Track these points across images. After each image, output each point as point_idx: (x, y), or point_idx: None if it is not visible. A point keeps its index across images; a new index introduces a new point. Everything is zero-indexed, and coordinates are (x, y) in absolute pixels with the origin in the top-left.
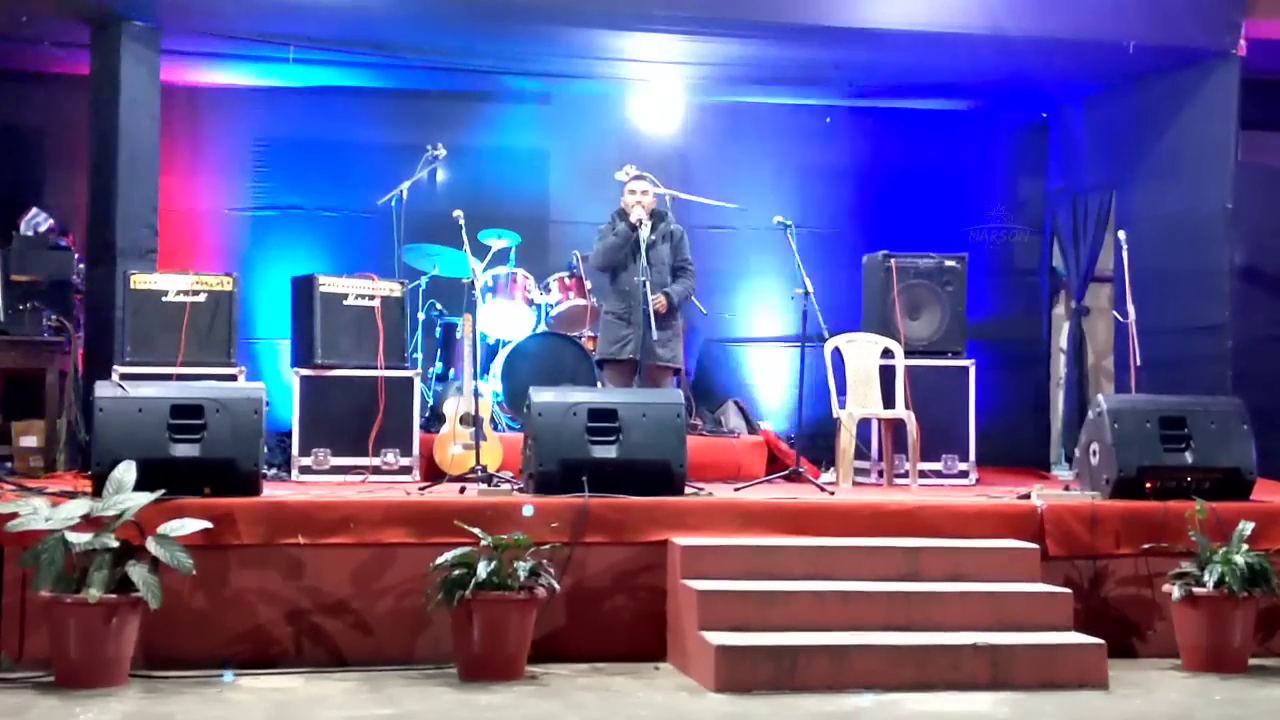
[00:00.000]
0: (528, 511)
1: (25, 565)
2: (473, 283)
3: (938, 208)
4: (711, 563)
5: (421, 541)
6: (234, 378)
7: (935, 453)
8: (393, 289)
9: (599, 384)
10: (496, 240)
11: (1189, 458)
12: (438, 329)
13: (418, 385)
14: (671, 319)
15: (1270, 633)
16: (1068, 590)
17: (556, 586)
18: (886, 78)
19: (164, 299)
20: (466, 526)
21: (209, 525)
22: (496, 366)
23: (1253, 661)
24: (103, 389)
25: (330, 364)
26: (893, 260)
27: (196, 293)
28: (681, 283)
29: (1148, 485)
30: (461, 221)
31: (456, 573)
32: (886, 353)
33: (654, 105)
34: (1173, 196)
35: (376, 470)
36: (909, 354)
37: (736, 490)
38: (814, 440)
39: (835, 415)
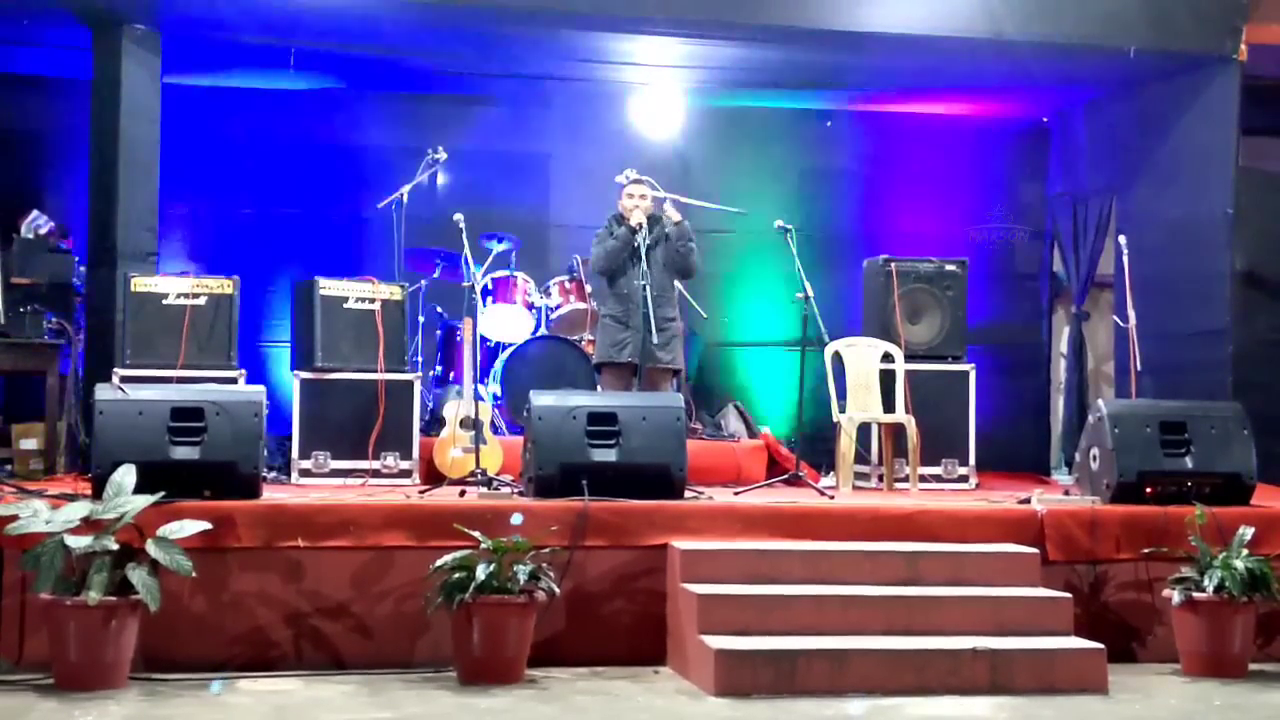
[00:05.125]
0: (516, 520)
1: (25, 568)
2: (473, 286)
3: (938, 212)
4: (711, 567)
5: (421, 545)
6: (234, 381)
7: (935, 457)
8: (393, 292)
9: (597, 388)
10: (497, 244)
11: (1189, 463)
12: (438, 332)
13: (418, 388)
14: (671, 313)
15: (1270, 638)
16: (1067, 595)
17: (556, 590)
18: (887, 81)
19: (164, 302)
20: (466, 530)
21: (209, 528)
22: (496, 370)
23: (1252, 666)
24: (103, 392)
25: (330, 367)
26: (893, 264)
27: (197, 295)
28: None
29: (1148, 490)
30: (462, 225)
31: (456, 576)
32: (887, 357)
33: (654, 109)
34: (1173, 201)
35: (376, 473)
36: (909, 358)
37: (736, 494)
38: (814, 444)
39: (835, 419)
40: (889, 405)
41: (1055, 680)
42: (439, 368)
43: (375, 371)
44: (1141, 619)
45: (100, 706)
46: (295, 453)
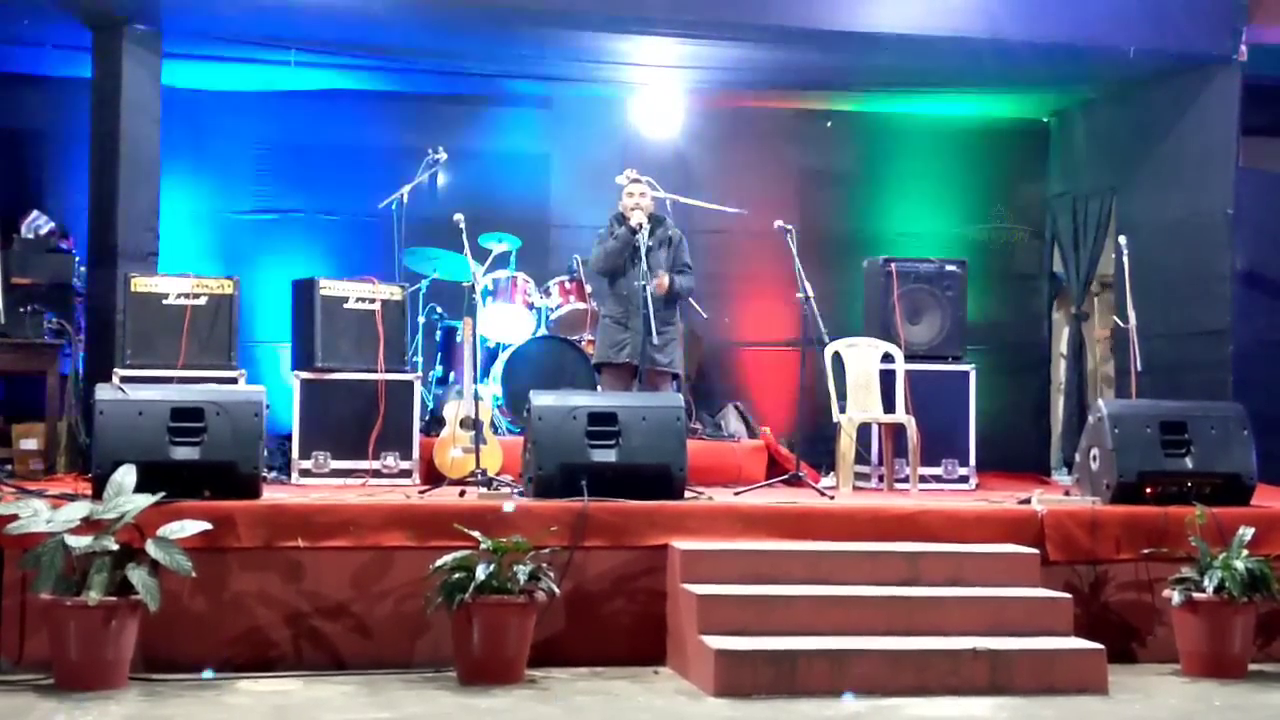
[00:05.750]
0: (509, 507)
1: (25, 567)
2: (473, 286)
3: (938, 212)
4: (711, 567)
5: (421, 545)
6: (234, 381)
7: (935, 457)
8: (393, 292)
9: (598, 388)
10: (497, 244)
11: (1189, 463)
12: (438, 332)
13: (418, 388)
14: (671, 316)
15: (1270, 638)
16: (1067, 595)
17: (556, 590)
18: (887, 81)
19: (165, 302)
20: (466, 530)
21: (209, 528)
22: (496, 370)
23: (1252, 667)
24: (103, 392)
25: (331, 367)
26: (893, 264)
27: (197, 295)
28: (684, 276)
29: (1148, 490)
30: (462, 225)
31: (456, 576)
32: (887, 357)
33: (655, 109)
34: (1174, 201)
35: (376, 473)
36: (909, 358)
37: (736, 494)
38: (814, 445)
39: (835, 420)
40: (889, 405)
41: (1055, 680)
42: (439, 368)
43: (375, 371)
44: (1141, 619)
45: (100, 706)
46: (295, 453)
